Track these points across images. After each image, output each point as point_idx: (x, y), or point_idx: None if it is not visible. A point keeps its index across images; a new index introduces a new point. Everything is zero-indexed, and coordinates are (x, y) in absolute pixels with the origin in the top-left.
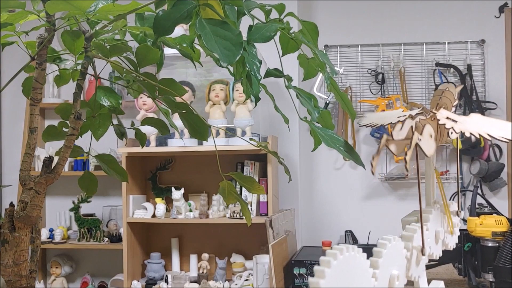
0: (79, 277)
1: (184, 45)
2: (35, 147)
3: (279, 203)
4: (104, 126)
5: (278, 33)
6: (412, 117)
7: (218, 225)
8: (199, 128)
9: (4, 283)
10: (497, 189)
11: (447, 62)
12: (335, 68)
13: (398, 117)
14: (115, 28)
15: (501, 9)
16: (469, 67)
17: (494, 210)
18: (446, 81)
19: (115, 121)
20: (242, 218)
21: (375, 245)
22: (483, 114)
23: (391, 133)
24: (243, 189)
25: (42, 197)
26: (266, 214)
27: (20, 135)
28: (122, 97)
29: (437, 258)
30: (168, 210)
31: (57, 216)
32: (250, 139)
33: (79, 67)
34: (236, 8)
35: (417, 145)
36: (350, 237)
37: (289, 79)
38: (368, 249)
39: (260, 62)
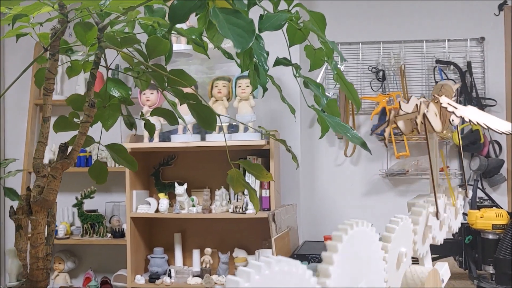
0: (82, 273)
1: (193, 37)
2: (48, 136)
3: (281, 198)
4: (114, 117)
5: (285, 25)
6: (417, 98)
7: (220, 220)
8: (208, 118)
9: (21, 266)
10: (496, 185)
11: (447, 59)
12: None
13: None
14: (130, 18)
15: (501, 7)
16: (469, 64)
17: (494, 204)
18: (446, 78)
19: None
20: (245, 213)
21: None
22: (482, 110)
23: (400, 106)
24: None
25: (58, 181)
26: (269, 209)
27: (23, 133)
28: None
29: (440, 243)
30: (171, 205)
31: (60, 212)
32: (259, 126)
33: (90, 58)
34: None
35: (425, 117)
36: None
37: (297, 67)
38: None
39: (268, 54)
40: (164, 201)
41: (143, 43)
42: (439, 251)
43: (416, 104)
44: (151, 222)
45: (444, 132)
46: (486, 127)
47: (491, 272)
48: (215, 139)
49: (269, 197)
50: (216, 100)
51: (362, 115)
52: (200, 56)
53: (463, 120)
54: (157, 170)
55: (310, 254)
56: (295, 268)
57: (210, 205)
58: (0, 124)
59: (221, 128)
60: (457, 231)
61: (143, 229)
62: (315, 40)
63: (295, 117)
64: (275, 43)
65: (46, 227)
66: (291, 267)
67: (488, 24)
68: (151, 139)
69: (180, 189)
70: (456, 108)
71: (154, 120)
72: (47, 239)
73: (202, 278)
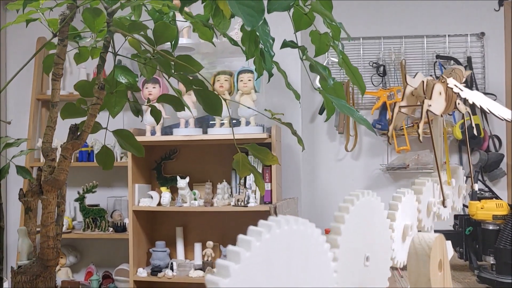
0: (84, 267)
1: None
2: (56, 120)
3: (282, 192)
4: (120, 103)
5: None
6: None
7: (222, 213)
8: (214, 104)
9: (31, 245)
10: (496, 179)
11: (447, 54)
12: (333, 59)
13: None
14: (139, 2)
15: (501, 2)
16: (469, 59)
17: (494, 195)
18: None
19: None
20: (247, 206)
21: None
22: None
23: (406, 78)
24: (247, 179)
25: (69, 162)
26: (270, 203)
27: (25, 128)
28: None
29: (429, 230)
30: (173, 199)
31: None
32: (265, 109)
33: (98, 44)
34: None
35: (427, 111)
36: None
37: (304, 49)
38: None
39: (273, 40)
40: (166, 194)
41: (151, 28)
42: None
43: (422, 81)
44: (153, 216)
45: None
46: (489, 111)
47: (492, 262)
48: (216, 133)
49: (271, 190)
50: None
51: (363, 109)
52: (202, 51)
53: (462, 116)
54: (159, 164)
55: None
56: (303, 227)
57: (212, 198)
58: (2, 119)
59: (222, 122)
60: (460, 209)
61: (145, 223)
62: (320, 26)
63: (300, 103)
64: (280, 30)
65: (56, 208)
66: (300, 226)
67: (488, 19)
68: (153, 132)
69: (182, 183)
70: (461, 90)
71: None
72: (57, 220)
73: (204, 271)
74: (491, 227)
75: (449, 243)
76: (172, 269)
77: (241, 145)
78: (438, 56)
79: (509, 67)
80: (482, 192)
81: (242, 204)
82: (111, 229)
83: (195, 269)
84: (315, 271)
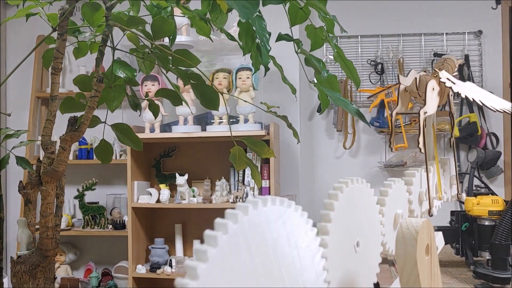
0: (83, 265)
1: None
2: (55, 114)
3: (280, 189)
4: (119, 98)
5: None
6: (416, 72)
7: (221, 210)
8: (211, 98)
9: (31, 236)
10: (493, 176)
11: (445, 52)
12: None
13: None
14: None
15: (498, 1)
16: (466, 57)
17: (490, 191)
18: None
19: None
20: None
21: None
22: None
23: (398, 78)
24: (246, 176)
25: (68, 153)
26: None
27: (25, 126)
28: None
29: (438, 208)
30: (172, 196)
31: None
32: (261, 102)
33: (97, 39)
34: None
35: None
36: None
37: (299, 42)
38: None
39: (270, 34)
40: (165, 191)
41: (149, 23)
42: None
43: (415, 78)
44: (152, 213)
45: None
46: (481, 104)
47: (487, 258)
48: (215, 130)
49: (269, 187)
50: None
51: (361, 107)
52: (201, 48)
53: (460, 113)
54: (158, 162)
55: None
56: (282, 207)
57: (211, 195)
58: (2, 117)
59: (221, 121)
60: (451, 199)
61: (144, 220)
62: (316, 21)
63: (296, 97)
64: (278, 25)
65: (55, 199)
66: (278, 206)
67: (485, 17)
68: (152, 129)
69: (181, 180)
70: (454, 83)
71: None
72: (56, 211)
73: None
74: (487, 223)
75: (440, 234)
76: (171, 266)
77: (238, 139)
78: (436, 54)
79: (507, 65)
80: (478, 188)
81: (241, 201)
82: (110, 226)
83: None
84: (301, 251)
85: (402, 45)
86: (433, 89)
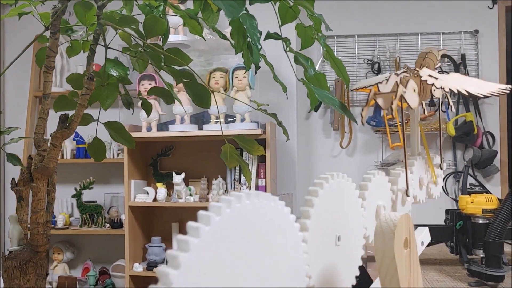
0: (81, 263)
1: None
2: (48, 112)
3: (277, 188)
4: (112, 96)
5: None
6: (397, 74)
7: None
8: (203, 97)
9: (22, 232)
10: (490, 175)
11: None
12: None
13: (385, 77)
14: None
15: (494, 0)
16: (463, 56)
17: (484, 190)
18: (440, 70)
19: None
20: None
21: None
22: (476, 102)
23: (378, 87)
24: (242, 175)
25: (58, 150)
26: None
27: (23, 125)
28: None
29: (422, 202)
30: (168, 195)
31: (59, 202)
32: (251, 100)
33: (90, 38)
34: None
35: (402, 97)
36: None
37: (287, 40)
38: None
39: (260, 33)
40: (161, 190)
41: (141, 22)
42: (431, 237)
43: (396, 82)
44: (149, 212)
45: (432, 120)
46: (467, 93)
47: (481, 255)
48: (211, 129)
49: (265, 186)
50: (213, 91)
51: (358, 107)
52: (198, 48)
53: (457, 112)
54: (155, 161)
55: None
56: (267, 201)
57: (207, 194)
58: (0, 116)
59: (218, 119)
60: (438, 197)
61: (141, 219)
62: (307, 21)
63: (286, 95)
64: (268, 24)
65: (47, 196)
66: (263, 200)
67: (482, 17)
68: (149, 128)
69: (177, 179)
70: (436, 79)
71: (152, 111)
72: (47, 207)
73: None
74: (480, 221)
75: (426, 229)
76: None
77: (229, 136)
78: None
79: (503, 64)
80: (472, 187)
81: None
82: (107, 225)
83: None
84: (283, 246)
85: (399, 44)
86: (414, 90)
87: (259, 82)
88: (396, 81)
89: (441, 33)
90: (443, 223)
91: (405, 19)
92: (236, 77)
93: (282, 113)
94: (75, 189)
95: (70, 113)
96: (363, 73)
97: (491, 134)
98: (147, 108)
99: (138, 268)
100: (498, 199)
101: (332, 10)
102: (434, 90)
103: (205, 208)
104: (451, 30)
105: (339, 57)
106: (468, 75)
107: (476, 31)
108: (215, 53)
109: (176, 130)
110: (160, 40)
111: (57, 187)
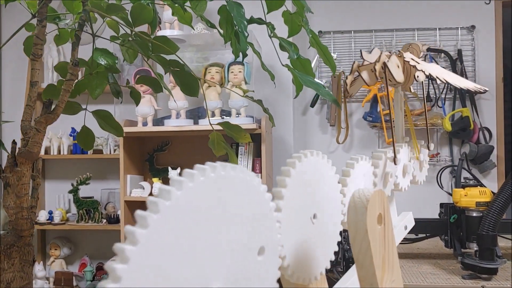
0: (78, 259)
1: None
2: (35, 100)
3: (273, 182)
4: (101, 85)
5: None
6: (380, 51)
7: None
8: (190, 85)
9: (6, 217)
10: (486, 171)
11: (438, 47)
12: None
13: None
14: None
15: None
16: (459, 52)
17: (478, 183)
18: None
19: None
20: None
21: None
22: (473, 97)
23: (362, 55)
24: None
25: (42, 135)
26: None
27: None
28: (118, 79)
29: (404, 190)
30: None
31: (56, 198)
32: (237, 86)
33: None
34: None
35: (386, 67)
36: None
37: (270, 25)
38: None
39: (247, 21)
40: (157, 185)
41: (128, 10)
42: (426, 231)
43: (379, 54)
44: (145, 206)
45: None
46: (445, 82)
47: (475, 249)
48: (207, 123)
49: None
50: (209, 86)
51: (354, 102)
52: (194, 43)
53: (453, 107)
54: (151, 156)
55: None
56: (234, 172)
57: None
58: None
59: (213, 114)
60: (423, 182)
61: None
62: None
63: (274, 83)
64: (256, 14)
65: (32, 181)
66: (230, 172)
67: (478, 13)
68: (145, 123)
69: (173, 173)
70: (418, 63)
71: (147, 105)
72: (32, 193)
73: None
74: (474, 214)
75: (410, 214)
76: None
77: (215, 123)
78: (429, 49)
79: (500, 60)
80: (466, 180)
81: None
82: (104, 220)
83: None
84: (254, 221)
85: (396, 40)
86: (398, 66)
87: (254, 77)
88: (381, 54)
89: (437, 29)
90: (438, 217)
91: (401, 14)
92: (232, 72)
93: (279, 109)
94: (72, 184)
95: (75, 121)
96: None
97: (487, 129)
98: (136, 98)
99: None
100: (492, 192)
101: (328, 5)
102: (417, 77)
103: None
104: (448, 25)
105: (336, 53)
106: (465, 71)
107: (473, 27)
108: (211, 48)
109: (171, 125)
110: (156, 33)
111: (54, 182)
